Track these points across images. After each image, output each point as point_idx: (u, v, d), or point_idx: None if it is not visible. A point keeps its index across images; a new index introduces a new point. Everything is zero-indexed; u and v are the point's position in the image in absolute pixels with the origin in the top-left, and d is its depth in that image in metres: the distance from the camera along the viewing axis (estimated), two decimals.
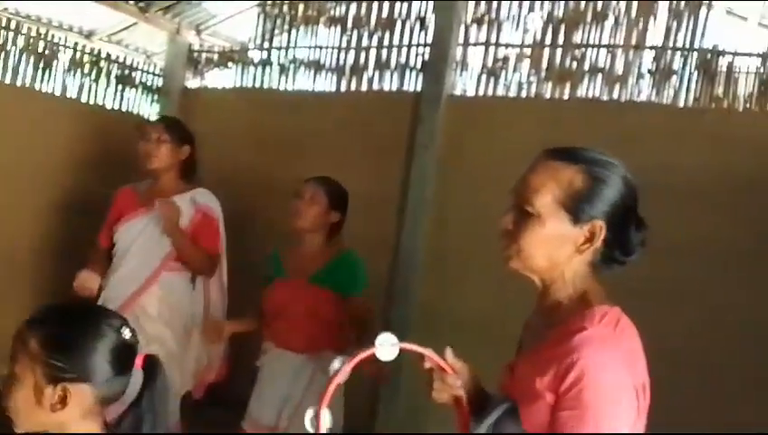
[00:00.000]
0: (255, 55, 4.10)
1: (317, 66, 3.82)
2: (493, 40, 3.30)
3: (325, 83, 3.79)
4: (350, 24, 3.71)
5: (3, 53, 3.49)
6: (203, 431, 2.78)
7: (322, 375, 2.28)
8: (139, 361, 1.20)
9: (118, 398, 1.18)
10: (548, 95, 3.16)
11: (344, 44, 3.72)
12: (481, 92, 3.31)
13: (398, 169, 3.35)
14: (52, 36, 3.79)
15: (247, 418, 2.44)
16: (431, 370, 1.24)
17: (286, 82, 3.94)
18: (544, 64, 3.18)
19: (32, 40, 3.62)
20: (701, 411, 2.45)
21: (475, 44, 3.33)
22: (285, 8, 3.99)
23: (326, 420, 1.14)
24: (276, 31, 4.03)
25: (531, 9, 3.23)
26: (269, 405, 2.37)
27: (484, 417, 1.16)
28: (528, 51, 3.23)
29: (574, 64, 3.12)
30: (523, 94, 3.22)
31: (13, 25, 3.57)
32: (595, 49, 3.09)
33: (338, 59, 3.74)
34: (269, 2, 4.05)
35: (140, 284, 2.57)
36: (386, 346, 1.18)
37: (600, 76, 3.08)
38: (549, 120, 3.02)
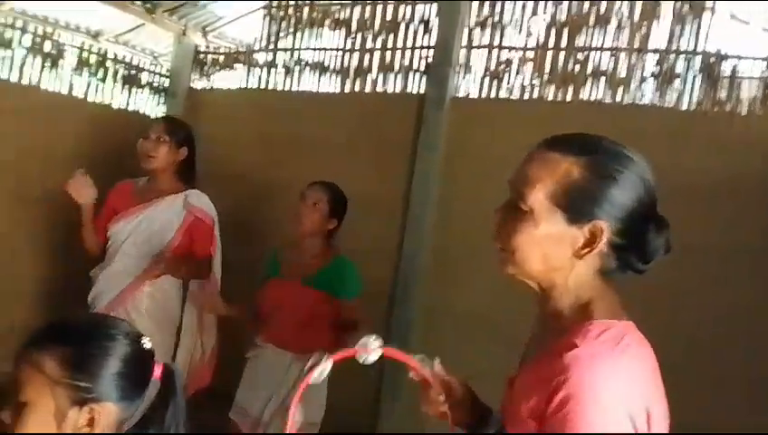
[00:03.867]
0: (261, 57, 4.12)
1: (322, 68, 3.83)
2: (496, 43, 3.31)
3: (330, 85, 3.81)
4: (354, 27, 3.73)
5: (9, 52, 3.53)
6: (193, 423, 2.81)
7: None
8: (157, 371, 1.14)
9: (135, 411, 1.12)
10: (551, 98, 3.17)
11: (349, 46, 3.74)
12: (484, 95, 3.32)
13: (402, 171, 3.36)
14: (59, 36, 3.83)
15: (234, 407, 2.48)
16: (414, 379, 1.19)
17: (291, 83, 3.96)
18: (547, 67, 3.19)
19: (38, 39, 3.66)
20: (701, 422, 2.44)
21: (478, 47, 3.34)
22: (291, 11, 4.01)
23: (297, 417, 1.13)
24: (282, 33, 4.05)
25: (534, 12, 3.24)
26: (257, 397, 2.40)
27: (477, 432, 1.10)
28: (531, 54, 3.24)
29: (577, 67, 3.12)
30: (526, 97, 3.23)
31: (19, 24, 3.60)
32: (598, 52, 3.09)
33: (342, 61, 3.76)
34: (274, 4, 4.07)
35: (133, 281, 2.59)
36: (368, 348, 1.15)
37: (602, 79, 3.08)
38: (551, 122, 3.00)
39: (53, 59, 3.73)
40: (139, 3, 4.04)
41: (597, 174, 0.98)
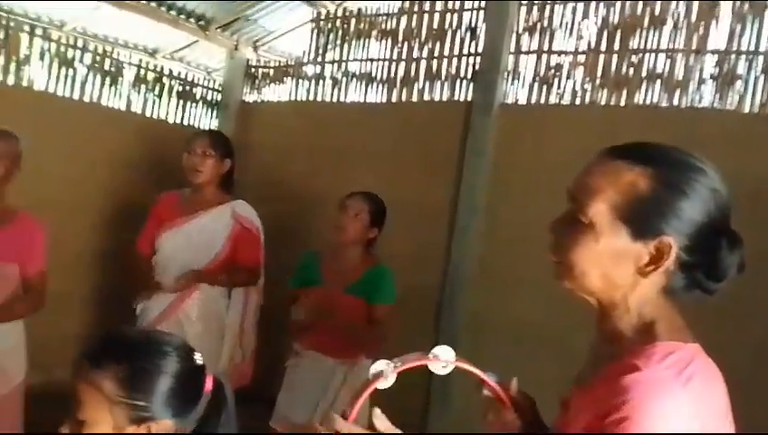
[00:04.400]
0: (309, 69, 4.18)
1: (368, 78, 3.85)
2: (545, 47, 3.25)
3: (377, 95, 3.83)
4: (400, 37, 3.73)
5: (71, 70, 3.69)
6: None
7: (355, 379, 2.33)
8: (209, 384, 1.14)
9: (188, 424, 1.13)
10: (603, 102, 3.08)
11: (395, 56, 3.74)
12: (533, 101, 3.26)
13: (449, 180, 3.33)
14: (118, 54, 3.99)
15: (275, 416, 2.48)
16: (488, 398, 1.11)
17: (339, 94, 4.00)
18: (599, 71, 3.10)
19: (98, 58, 3.82)
20: None
21: (527, 53, 3.29)
22: (338, 23, 4.05)
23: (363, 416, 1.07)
24: (329, 45, 4.10)
25: (585, 15, 3.16)
26: (301, 405, 2.41)
27: None
28: (582, 58, 3.16)
29: (631, 70, 3.03)
30: (578, 102, 3.15)
31: (80, 44, 3.77)
32: (653, 54, 3.00)
33: (389, 71, 3.77)
34: (322, 17, 4.13)
35: (183, 291, 2.62)
36: (441, 360, 1.07)
37: (658, 82, 2.98)
38: (604, 127, 2.93)
39: (113, 76, 3.89)
40: (193, 20, 4.17)
41: (665, 186, 0.91)
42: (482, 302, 3.18)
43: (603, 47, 3.10)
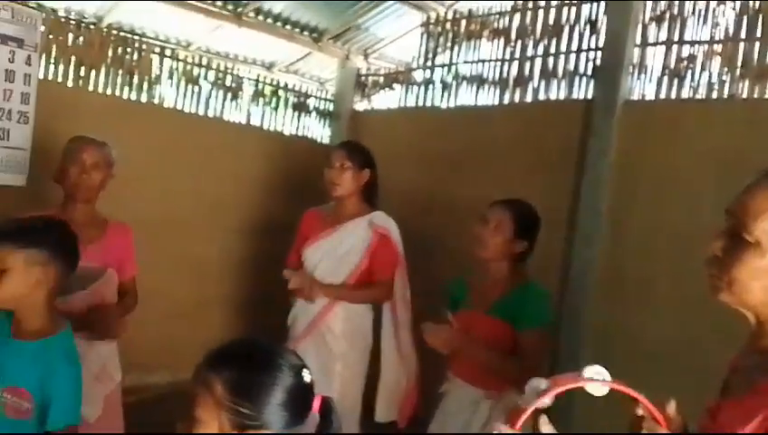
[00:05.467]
0: (419, 75, 4.14)
1: (479, 81, 3.76)
2: (675, 38, 2.99)
3: (489, 98, 3.72)
4: (513, 35, 3.60)
5: (196, 88, 3.90)
6: None
7: (500, 415, 1.94)
8: (316, 404, 1.16)
9: None
10: (745, 95, 2.78)
11: (507, 56, 3.62)
12: (663, 96, 3.00)
13: (567, 184, 3.15)
14: (238, 70, 4.17)
15: None
16: (641, 417, 1.09)
17: (449, 99, 3.93)
18: (739, 61, 2.81)
19: (220, 74, 4.01)
20: None
21: (654, 44, 3.05)
22: (448, 25, 3.99)
23: None
24: (439, 49, 4.05)
25: (720, 1, 2.87)
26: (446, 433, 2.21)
27: None
28: (719, 47, 2.87)
29: None
30: (714, 96, 2.87)
31: (204, 62, 3.98)
32: None
33: (501, 72, 3.65)
34: (432, 20, 4.08)
35: (326, 303, 2.61)
36: (596, 381, 1.08)
37: None
38: (746, 123, 2.65)
39: (234, 92, 4.07)
40: (306, 33, 4.29)
41: None
42: (606, 312, 2.96)
43: (743, 35, 2.80)
